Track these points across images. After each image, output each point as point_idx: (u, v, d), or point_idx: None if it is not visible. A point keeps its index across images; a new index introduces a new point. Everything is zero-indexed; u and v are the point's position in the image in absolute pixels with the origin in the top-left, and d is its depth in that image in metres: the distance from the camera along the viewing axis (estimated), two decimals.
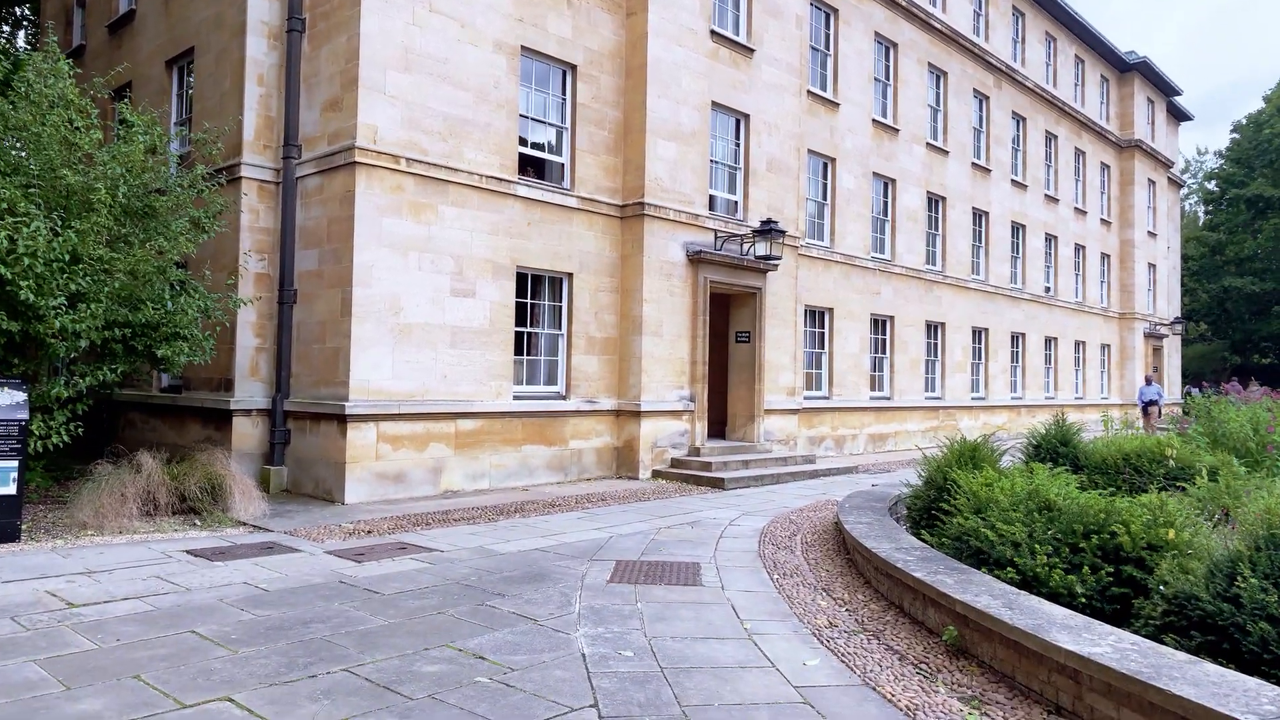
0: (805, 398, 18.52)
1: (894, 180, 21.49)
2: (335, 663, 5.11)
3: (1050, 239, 28.83)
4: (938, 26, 22.82)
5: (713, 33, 15.42)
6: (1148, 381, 29.03)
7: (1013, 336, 26.54)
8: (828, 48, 19.77)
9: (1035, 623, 4.80)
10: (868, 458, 19.22)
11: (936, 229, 23.31)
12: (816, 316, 19.38)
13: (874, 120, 20.80)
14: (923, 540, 7.49)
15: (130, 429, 13.92)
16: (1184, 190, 49.39)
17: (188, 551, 8.12)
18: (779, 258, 15.72)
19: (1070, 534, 6.06)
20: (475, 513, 10.56)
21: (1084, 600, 5.66)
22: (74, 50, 16.90)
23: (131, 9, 15.11)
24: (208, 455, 10.41)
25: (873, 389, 20.99)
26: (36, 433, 8.99)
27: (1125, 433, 12.75)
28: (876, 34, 21.05)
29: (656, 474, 14.25)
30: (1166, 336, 36.38)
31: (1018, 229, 26.95)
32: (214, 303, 10.60)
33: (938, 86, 23.48)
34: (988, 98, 25.32)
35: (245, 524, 9.53)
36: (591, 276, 14.04)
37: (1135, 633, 5.07)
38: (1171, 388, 36.86)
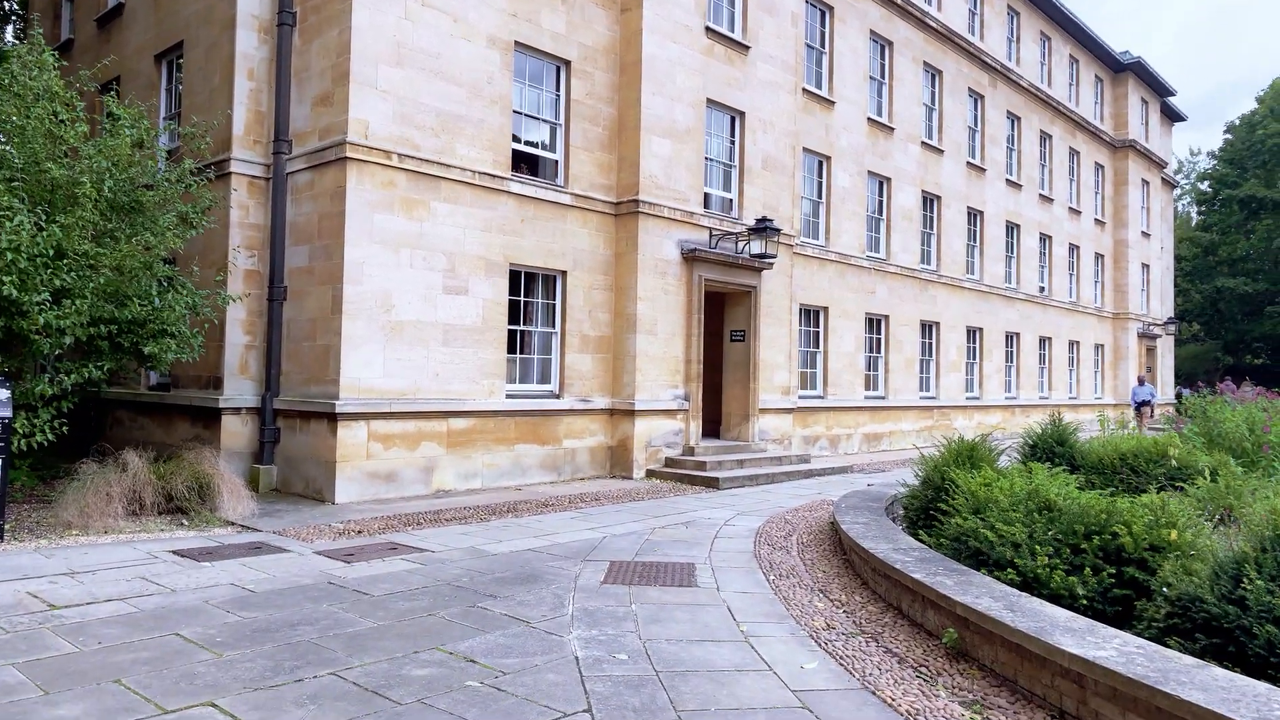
0: (800, 397, 18.44)
1: (889, 179, 21.42)
2: (322, 666, 4.99)
3: (1045, 239, 28.81)
4: (933, 25, 22.76)
5: (708, 29, 15.32)
6: (1140, 382, 29.09)
7: (1007, 336, 26.51)
8: (823, 45, 19.68)
9: (1038, 625, 4.71)
10: (862, 457, 19.14)
11: (931, 228, 23.25)
12: (811, 315, 19.30)
13: (869, 119, 20.73)
14: (921, 541, 7.40)
15: (118, 427, 13.76)
16: (1177, 191, 49.52)
17: (174, 552, 7.98)
18: (774, 256, 15.63)
19: (1071, 535, 5.98)
20: (467, 512, 10.44)
21: (1085, 602, 5.58)
22: (62, 44, 16.73)
23: (120, 2, 14.93)
24: (195, 454, 10.26)
25: (867, 388, 20.92)
26: (20, 431, 8.83)
27: (1121, 433, 12.71)
28: (872, 32, 20.98)
29: (651, 473, 14.14)
30: (1160, 337, 36.43)
31: (1012, 228, 26.91)
32: (202, 299, 10.45)
33: (933, 85, 23.42)
34: (983, 97, 25.27)
35: (233, 524, 9.39)
36: (585, 274, 13.93)
37: (1138, 635, 4.98)
38: (1164, 388, 36.92)
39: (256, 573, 7.27)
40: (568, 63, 13.76)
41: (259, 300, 12.01)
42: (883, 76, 21.60)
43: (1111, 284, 33.30)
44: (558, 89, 13.83)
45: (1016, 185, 26.83)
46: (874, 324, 21.13)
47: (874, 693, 4.77)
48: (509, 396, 12.88)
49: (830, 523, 9.61)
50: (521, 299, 13.32)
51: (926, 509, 8.21)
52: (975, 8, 25.35)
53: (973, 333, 24.89)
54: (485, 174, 12.44)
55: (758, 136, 16.35)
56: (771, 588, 7.09)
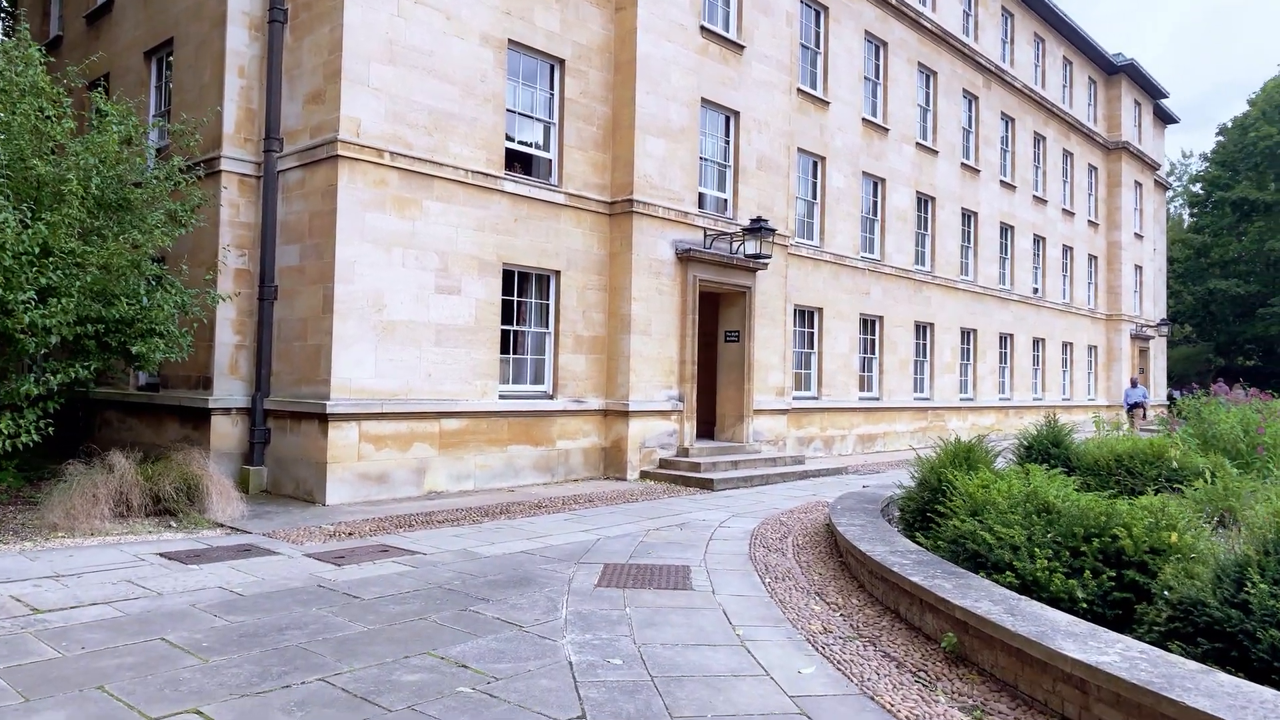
0: (794, 398, 18.37)
1: (883, 180, 21.38)
2: (311, 672, 4.89)
3: (1038, 240, 28.82)
4: (928, 26, 22.73)
5: (703, 28, 15.25)
6: (1133, 383, 29.08)
7: (1001, 337, 26.50)
8: (818, 46, 19.63)
9: (1039, 630, 4.64)
10: (856, 458, 19.09)
11: (926, 229, 23.23)
12: (806, 316, 19.24)
13: (864, 119, 20.68)
14: (918, 543, 7.34)
15: (106, 428, 13.61)
16: (1170, 193, 49.66)
17: (161, 554, 7.87)
18: (769, 256, 15.57)
19: (1070, 537, 5.91)
20: (459, 514, 10.34)
21: (1085, 605, 5.51)
22: (51, 41, 16.56)
23: None
24: (184, 455, 10.13)
25: (862, 389, 20.88)
26: (6, 431, 8.70)
27: (1115, 434, 12.67)
28: (867, 33, 20.94)
29: (645, 475, 14.05)
30: (1152, 338, 36.50)
31: (1006, 230, 26.91)
32: (192, 298, 10.33)
33: (927, 86, 23.40)
34: (977, 98, 25.27)
35: (222, 525, 9.27)
36: (579, 274, 13.83)
37: (1139, 639, 4.91)
38: (1157, 389, 37.00)
39: (245, 575, 7.16)
40: (562, 61, 13.67)
41: (249, 300, 11.88)
42: (877, 77, 21.57)
43: (1105, 285, 33.35)
44: (551, 88, 13.73)
45: (1010, 186, 26.83)
46: (868, 325, 21.09)
47: (872, 698, 4.70)
48: (502, 397, 12.78)
49: (826, 524, 9.54)
50: (515, 299, 13.22)
51: (923, 511, 8.14)
52: (970, 9, 25.34)
53: (967, 334, 24.87)
54: (478, 173, 12.34)
55: (752, 136, 16.28)
56: (767, 590, 7.02)
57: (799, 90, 18.46)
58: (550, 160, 13.75)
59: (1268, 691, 3.74)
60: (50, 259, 8.63)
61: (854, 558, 7.35)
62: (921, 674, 5.09)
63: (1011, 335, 26.89)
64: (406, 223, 11.55)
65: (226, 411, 11.60)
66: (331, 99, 11.09)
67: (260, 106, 12.02)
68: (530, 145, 13.61)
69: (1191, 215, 59.47)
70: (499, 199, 12.66)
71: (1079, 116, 31.22)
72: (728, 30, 15.98)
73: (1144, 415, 27.50)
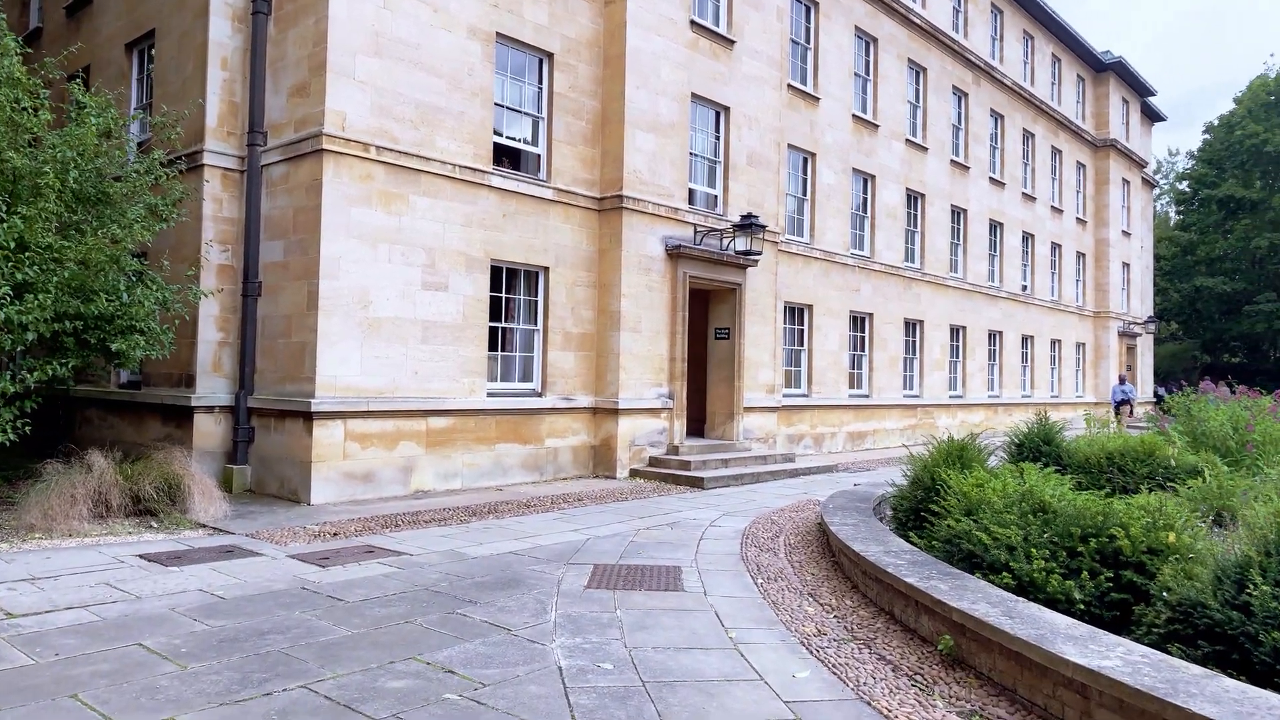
0: (784, 395, 18.29)
1: (873, 176, 21.31)
2: (293, 678, 4.75)
3: (1027, 237, 28.84)
4: (917, 22, 22.67)
5: (692, 23, 15.12)
6: (1121, 380, 29.17)
7: (990, 335, 26.51)
8: (808, 41, 19.53)
9: (1038, 633, 4.55)
10: (847, 456, 19.03)
11: (915, 226, 23.18)
12: (796, 313, 19.15)
13: (854, 115, 20.60)
14: (911, 543, 7.25)
15: (87, 426, 13.39)
16: (1156, 191, 49.88)
17: (141, 556, 7.70)
18: (759, 253, 15.47)
19: (1067, 537, 5.83)
20: (447, 514, 10.20)
21: (1082, 607, 5.43)
22: (31, 33, 16.29)
23: None
24: (165, 454, 9.94)
25: (852, 387, 20.81)
26: None
27: (1104, 432, 12.64)
28: (857, 28, 20.85)
29: (634, 473, 13.93)
30: (1140, 335, 36.62)
31: (995, 227, 26.91)
32: (173, 295, 10.13)
33: (917, 83, 23.34)
34: (966, 95, 25.23)
35: (205, 526, 9.10)
36: (568, 270, 13.69)
37: (1137, 641, 4.84)
38: (1144, 386, 37.14)
39: (226, 578, 7.00)
40: (550, 55, 13.52)
41: (233, 296, 11.69)
42: (867, 73, 21.49)
43: (1093, 283, 33.42)
44: (540, 82, 13.58)
45: (999, 183, 26.83)
46: (858, 322, 21.02)
47: (869, 703, 4.60)
48: (490, 395, 12.64)
49: (818, 523, 9.45)
50: (503, 295, 13.07)
51: (916, 510, 8.05)
52: (959, 5, 25.29)
53: (956, 331, 24.85)
54: (466, 167, 12.18)
55: (743, 132, 16.17)
56: (760, 591, 6.91)
57: (789, 86, 18.36)
58: (539, 155, 13.60)
59: (1275, 697, 3.65)
60: (26, 254, 8.44)
61: (847, 558, 7.25)
62: (918, 678, 4.99)
63: (1000, 332, 26.90)
64: (393, 218, 11.38)
65: (210, 410, 11.41)
66: (316, 92, 10.91)
67: (244, 99, 11.82)
68: (519, 140, 13.45)
69: (1178, 213, 59.78)
70: (487, 194, 12.51)
71: (1067, 114, 31.26)
72: (718, 25, 15.86)
73: (1131, 412, 27.58)
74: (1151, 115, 39.39)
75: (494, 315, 12.84)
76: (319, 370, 10.63)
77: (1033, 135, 29.05)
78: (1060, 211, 30.89)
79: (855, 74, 20.92)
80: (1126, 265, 35.42)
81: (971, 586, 5.51)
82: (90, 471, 9.00)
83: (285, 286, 11.20)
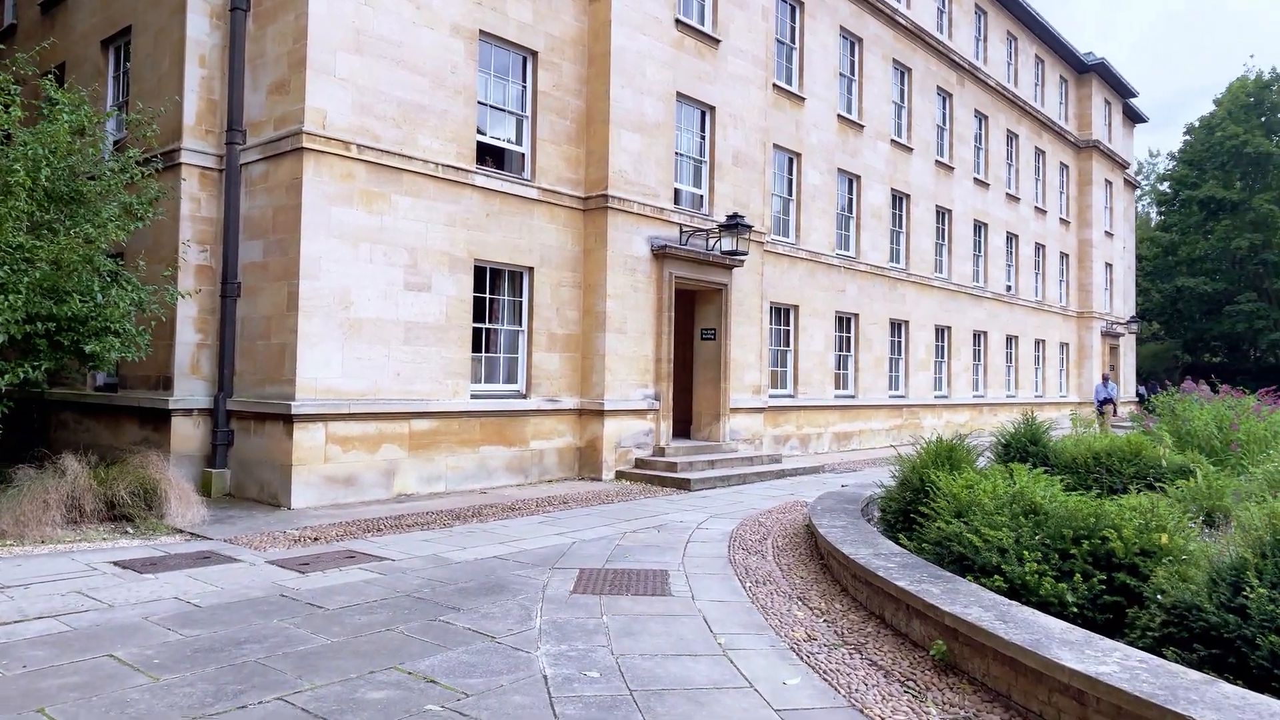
0: (771, 396, 18.22)
1: (859, 177, 21.29)
2: (269, 690, 4.61)
3: (1011, 238, 28.93)
4: (902, 23, 22.68)
5: (678, 22, 15.02)
6: (1104, 380, 29.30)
7: (975, 335, 26.57)
8: (793, 41, 19.48)
9: (1033, 638, 4.46)
10: (833, 457, 18.98)
11: (900, 226, 23.18)
12: (782, 314, 19.09)
13: (839, 115, 20.57)
14: (901, 545, 7.16)
15: (62, 430, 13.14)
16: (1138, 191, 50.23)
17: (115, 563, 7.51)
18: (745, 253, 15.38)
19: (1059, 539, 5.76)
20: (430, 517, 10.04)
21: (1075, 610, 5.36)
22: (5, 30, 15.99)
23: None
24: (141, 458, 9.74)
25: (838, 387, 20.77)
26: None
27: (1090, 432, 12.64)
28: (842, 28, 20.82)
29: (620, 475, 13.81)
30: (1123, 335, 36.84)
31: (980, 227, 26.97)
32: (150, 295, 9.92)
33: (902, 83, 23.35)
34: (951, 95, 25.27)
35: (182, 531, 8.91)
36: (553, 271, 13.56)
37: (1130, 644, 4.76)
38: (1126, 386, 37.36)
39: (203, 585, 6.84)
40: (534, 53, 13.39)
41: (211, 297, 11.49)
42: (852, 73, 21.47)
43: (1076, 283, 33.58)
44: (524, 80, 13.44)
45: (984, 184, 26.89)
46: (844, 323, 20.99)
47: (861, 710, 4.50)
48: (474, 397, 12.48)
49: (806, 525, 9.36)
50: (487, 296, 12.92)
51: (905, 511, 7.98)
52: (944, 6, 25.33)
53: (941, 331, 24.88)
54: (449, 166, 12.03)
55: (728, 132, 16.09)
56: (748, 595, 6.81)
57: (775, 86, 18.30)
58: (523, 154, 13.47)
59: (1276, 703, 3.58)
60: None
61: (836, 560, 7.16)
62: (910, 683, 4.90)
63: (985, 333, 26.96)
64: (374, 217, 11.22)
65: (188, 413, 11.21)
66: (296, 90, 10.73)
67: (222, 97, 11.63)
68: (502, 139, 13.31)
69: (1160, 214, 60.26)
70: (470, 193, 12.36)
71: (1051, 115, 31.40)
72: (703, 24, 15.77)
73: (1114, 412, 27.70)
74: (1133, 116, 39.66)
75: (478, 316, 12.69)
76: (299, 372, 10.45)
77: (1016, 136, 29.15)
78: (1044, 212, 31.02)
79: (840, 74, 20.90)
80: (1109, 266, 35.62)
81: (964, 590, 5.43)
82: (64, 476, 8.79)
83: (265, 287, 11.02)
